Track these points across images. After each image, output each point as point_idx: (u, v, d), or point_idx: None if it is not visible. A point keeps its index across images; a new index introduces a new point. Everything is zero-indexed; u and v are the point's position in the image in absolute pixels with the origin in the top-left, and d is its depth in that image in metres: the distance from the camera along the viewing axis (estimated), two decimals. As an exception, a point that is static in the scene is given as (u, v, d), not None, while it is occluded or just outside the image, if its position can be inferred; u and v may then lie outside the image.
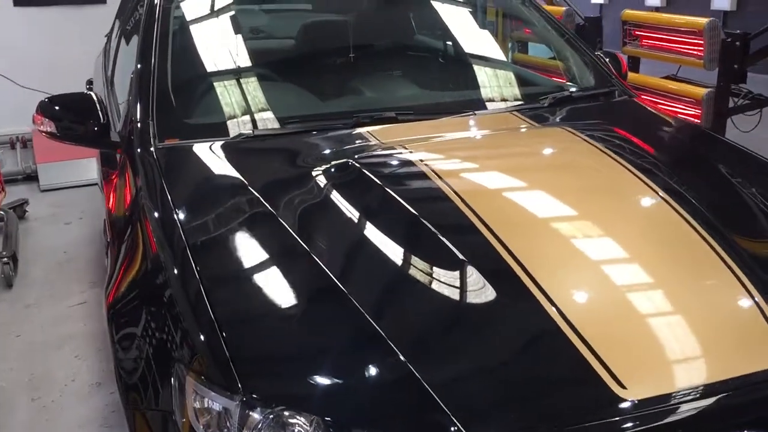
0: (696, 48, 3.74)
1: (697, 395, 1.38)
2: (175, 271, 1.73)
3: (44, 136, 2.57)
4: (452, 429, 1.31)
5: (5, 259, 4.03)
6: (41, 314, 3.72)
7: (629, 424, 1.33)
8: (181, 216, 1.91)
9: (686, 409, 1.36)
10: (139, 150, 2.28)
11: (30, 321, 3.65)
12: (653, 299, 1.62)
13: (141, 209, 2.08)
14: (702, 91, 3.73)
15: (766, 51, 4.01)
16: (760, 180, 2.15)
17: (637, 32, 4.14)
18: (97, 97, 2.51)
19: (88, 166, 6.11)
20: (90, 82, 4.33)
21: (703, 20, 3.70)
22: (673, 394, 1.37)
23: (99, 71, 4.10)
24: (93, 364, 3.25)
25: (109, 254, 2.25)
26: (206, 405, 1.44)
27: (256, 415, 1.37)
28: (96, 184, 5.71)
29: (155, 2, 2.76)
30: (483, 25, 3.24)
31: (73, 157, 6.18)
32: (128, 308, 1.81)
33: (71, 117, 2.48)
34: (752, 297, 1.60)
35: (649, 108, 2.78)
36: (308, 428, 1.36)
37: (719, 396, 1.39)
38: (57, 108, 2.49)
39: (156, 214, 1.97)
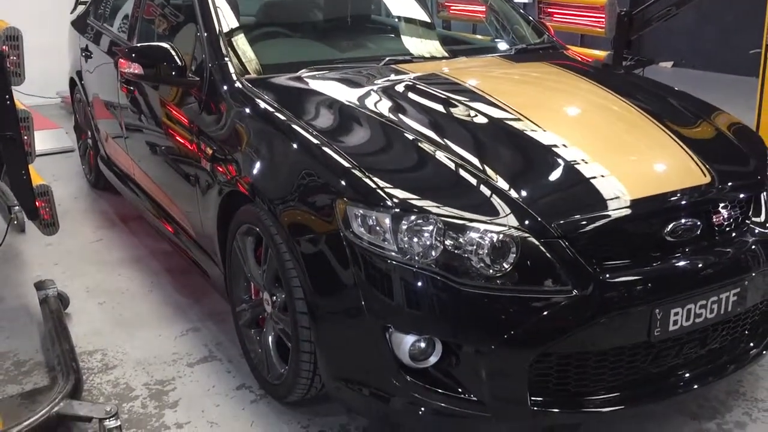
0: (598, 21, 4.79)
1: (673, 196, 2.33)
2: (314, 146, 2.47)
3: (130, 77, 3.21)
4: (528, 220, 2.16)
5: (17, 207, 4.47)
6: (67, 249, 4.22)
7: (636, 212, 2.26)
8: (293, 114, 2.67)
9: (668, 200, 2.32)
10: (225, 86, 2.98)
11: (60, 255, 4.15)
12: (627, 140, 2.62)
13: (236, 123, 2.81)
14: (604, 54, 4.81)
15: (645, 24, 5.20)
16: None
17: (548, 9, 5.18)
18: (172, 46, 3.14)
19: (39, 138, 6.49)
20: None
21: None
22: (659, 194, 2.31)
23: (102, 43, 4.57)
24: (137, 278, 3.84)
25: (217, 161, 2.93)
26: (363, 222, 2.19)
27: (403, 222, 2.15)
28: (63, 152, 6.21)
29: None
30: None
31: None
32: (281, 183, 2.50)
33: (153, 62, 3.09)
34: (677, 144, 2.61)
35: (578, 55, 3.79)
36: (431, 229, 2.14)
37: (678, 196, 2.34)
38: (140, 55, 3.12)
39: (267, 118, 2.72)
